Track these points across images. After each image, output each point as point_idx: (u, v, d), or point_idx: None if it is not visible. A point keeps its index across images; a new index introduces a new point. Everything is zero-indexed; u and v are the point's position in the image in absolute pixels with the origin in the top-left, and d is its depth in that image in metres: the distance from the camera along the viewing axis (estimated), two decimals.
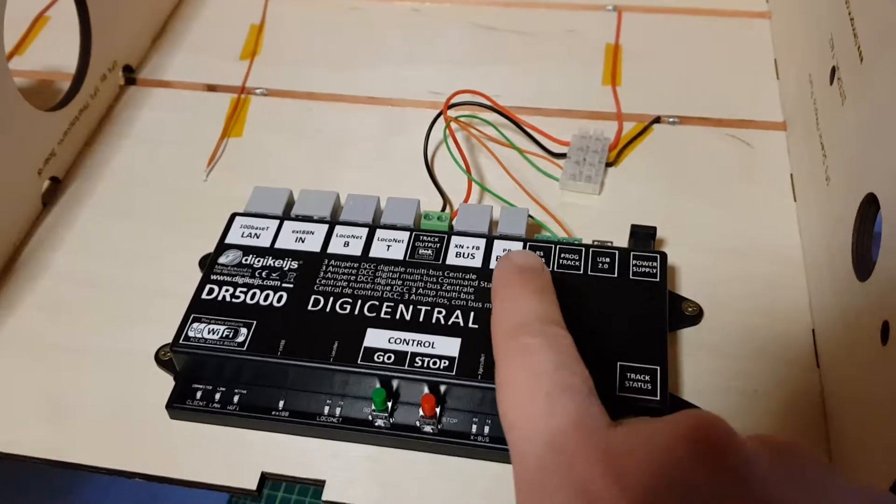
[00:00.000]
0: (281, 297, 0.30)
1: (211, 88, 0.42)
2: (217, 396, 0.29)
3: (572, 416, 0.20)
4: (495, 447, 0.28)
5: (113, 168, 0.39)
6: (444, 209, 0.35)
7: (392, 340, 0.29)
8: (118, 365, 0.31)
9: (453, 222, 0.33)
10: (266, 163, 0.38)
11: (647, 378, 0.27)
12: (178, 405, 0.29)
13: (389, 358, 0.28)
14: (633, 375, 0.27)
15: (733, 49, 0.42)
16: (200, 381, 0.30)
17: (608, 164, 0.37)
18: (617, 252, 0.31)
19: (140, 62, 0.44)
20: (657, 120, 0.39)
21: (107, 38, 0.40)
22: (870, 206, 0.26)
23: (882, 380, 0.23)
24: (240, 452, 0.29)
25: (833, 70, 0.31)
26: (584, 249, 0.31)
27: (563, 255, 0.31)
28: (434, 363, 0.28)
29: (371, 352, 0.28)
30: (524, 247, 0.31)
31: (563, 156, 0.37)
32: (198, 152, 0.39)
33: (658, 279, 0.30)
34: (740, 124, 0.38)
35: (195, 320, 0.30)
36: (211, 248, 0.32)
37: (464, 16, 0.45)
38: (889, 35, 0.25)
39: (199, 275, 0.32)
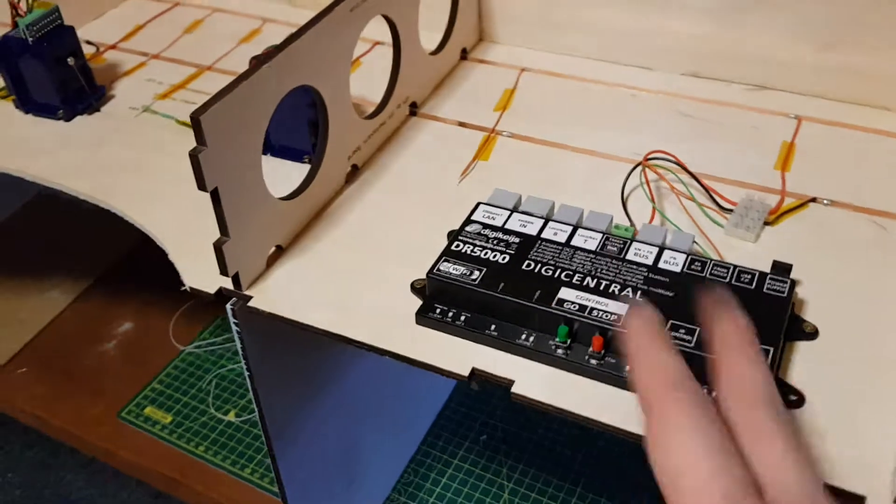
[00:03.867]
0: (504, 257, 0.43)
1: (470, 127, 0.57)
2: (450, 314, 0.42)
3: (741, 478, 0.25)
4: None
5: (394, 167, 0.54)
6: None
7: (578, 297, 0.40)
8: (384, 286, 0.45)
9: (636, 235, 0.44)
10: (503, 180, 0.51)
11: (763, 352, 0.37)
12: (423, 315, 0.42)
13: (574, 307, 0.40)
14: None
15: (892, 161, 0.51)
16: (440, 302, 0.42)
17: (766, 223, 0.47)
18: (757, 273, 0.41)
19: (422, 101, 0.59)
20: (814, 199, 0.49)
21: (405, 83, 0.56)
22: None
23: None
24: (460, 353, 0.41)
25: None
26: (731, 267, 0.41)
27: (715, 268, 0.42)
28: (606, 316, 0.39)
29: (562, 301, 0.40)
30: (686, 260, 0.42)
31: (730, 211, 0.48)
32: (455, 167, 0.53)
33: (785, 295, 0.40)
34: (885, 214, 0.47)
35: (446, 260, 0.43)
36: (454, 226, 0.46)
37: (670, 104, 0.58)
38: None
39: (444, 241, 0.45)
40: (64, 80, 0.59)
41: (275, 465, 0.54)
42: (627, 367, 0.31)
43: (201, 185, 0.40)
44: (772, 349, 0.37)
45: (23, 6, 0.57)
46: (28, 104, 0.60)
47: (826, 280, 0.43)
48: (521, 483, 0.73)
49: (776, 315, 0.39)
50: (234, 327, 0.46)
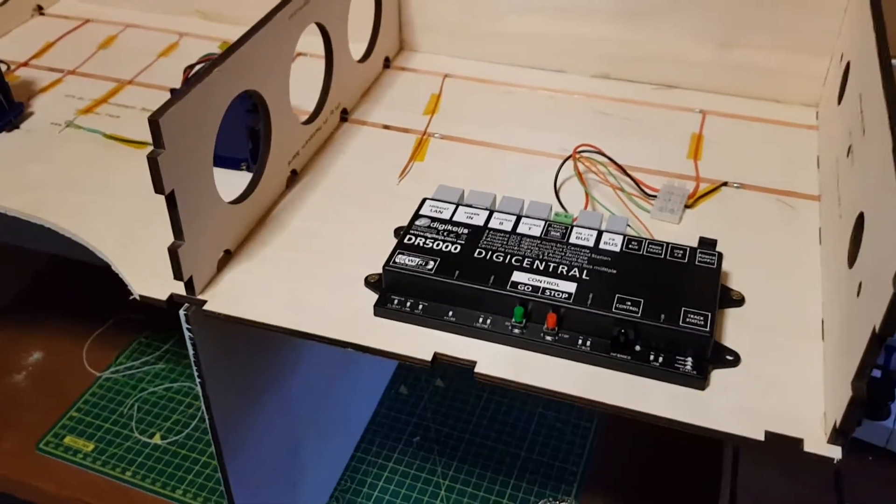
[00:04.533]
0: (456, 247, 0.45)
1: (402, 130, 0.59)
2: (408, 304, 0.44)
3: None
4: (593, 353, 0.41)
5: (332, 171, 0.55)
6: None
7: (530, 279, 0.43)
8: (336, 284, 0.46)
9: (575, 222, 0.47)
10: (441, 179, 0.53)
11: (701, 319, 0.41)
12: (381, 306, 0.44)
13: (528, 288, 0.42)
14: (692, 316, 0.41)
15: (789, 147, 0.57)
16: (397, 293, 0.44)
17: (686, 206, 0.51)
18: (688, 248, 0.45)
19: (352, 108, 0.61)
20: (725, 184, 0.53)
21: (337, 89, 0.57)
22: (860, 221, 0.40)
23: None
24: (421, 340, 0.43)
25: (849, 148, 0.45)
26: (665, 244, 0.45)
27: (650, 246, 0.45)
28: (557, 294, 0.42)
29: (515, 283, 0.43)
30: (623, 240, 0.45)
31: (653, 197, 0.51)
32: (392, 169, 0.55)
33: (714, 266, 0.44)
34: (789, 193, 0.52)
35: (400, 253, 0.45)
36: (400, 224, 0.47)
37: (586, 104, 0.62)
38: (878, 115, 0.40)
39: (392, 238, 0.47)
40: None
41: (224, 472, 0.54)
42: None
43: (158, 188, 0.41)
44: (709, 314, 0.41)
45: None
46: None
47: (745, 254, 0.48)
48: (456, 479, 0.75)
49: (709, 284, 0.43)
50: (186, 333, 0.46)
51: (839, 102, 0.52)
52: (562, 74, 0.65)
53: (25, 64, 0.67)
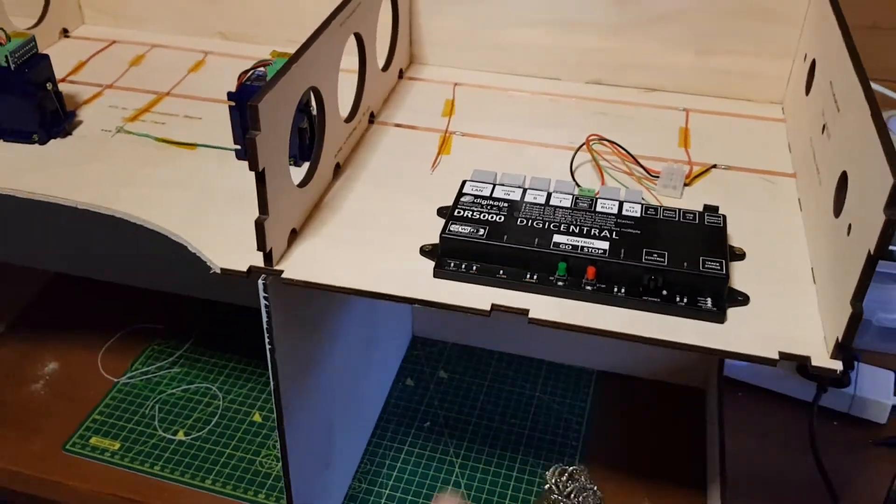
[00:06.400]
0: (500, 217, 0.52)
1: (426, 129, 0.66)
2: (463, 266, 0.50)
3: None
4: (629, 298, 0.48)
5: (370, 164, 0.62)
6: None
7: (569, 240, 0.50)
8: (394, 254, 0.52)
9: (597, 195, 0.55)
10: (469, 168, 0.60)
11: (717, 265, 0.48)
12: (441, 268, 0.50)
13: (568, 247, 0.50)
14: (710, 263, 0.48)
15: (762, 137, 0.66)
16: (452, 258, 0.51)
17: (685, 185, 0.59)
18: (697, 212, 0.53)
19: (378, 112, 0.68)
20: (714, 166, 0.62)
21: (367, 96, 0.64)
22: (843, 181, 0.48)
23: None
24: (477, 295, 0.49)
25: (824, 126, 0.54)
26: (677, 210, 0.53)
27: (665, 212, 0.53)
28: (594, 251, 0.49)
29: (557, 244, 0.50)
30: (642, 208, 0.53)
31: (656, 177, 0.59)
32: (423, 161, 0.62)
33: (721, 225, 0.52)
34: (769, 173, 0.61)
35: (454, 223, 0.51)
36: (440, 205, 0.55)
37: (584, 106, 0.70)
38: (852, 96, 0.49)
39: (434, 217, 0.54)
40: (42, 105, 0.62)
41: (282, 437, 0.59)
42: None
43: (253, 166, 0.47)
44: (723, 261, 0.49)
45: (1, 35, 0.61)
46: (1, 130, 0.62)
47: (740, 220, 0.56)
48: (468, 457, 0.81)
49: (719, 239, 0.51)
50: (262, 302, 0.52)
51: (807, 93, 0.61)
52: (558, 82, 0.73)
53: (63, 80, 0.72)
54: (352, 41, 0.60)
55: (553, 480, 0.71)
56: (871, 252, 0.40)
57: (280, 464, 0.78)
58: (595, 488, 0.70)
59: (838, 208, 0.48)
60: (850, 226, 0.45)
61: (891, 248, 0.41)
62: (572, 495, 0.69)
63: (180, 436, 0.83)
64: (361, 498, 0.77)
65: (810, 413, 0.76)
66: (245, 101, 0.56)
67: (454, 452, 0.81)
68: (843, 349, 0.44)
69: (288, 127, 0.50)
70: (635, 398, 0.86)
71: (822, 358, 0.45)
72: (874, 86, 0.73)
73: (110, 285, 1.00)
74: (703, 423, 0.82)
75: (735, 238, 0.54)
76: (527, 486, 0.77)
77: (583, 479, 0.71)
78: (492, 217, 0.52)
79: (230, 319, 0.95)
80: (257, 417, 0.85)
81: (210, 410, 0.85)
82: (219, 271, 0.52)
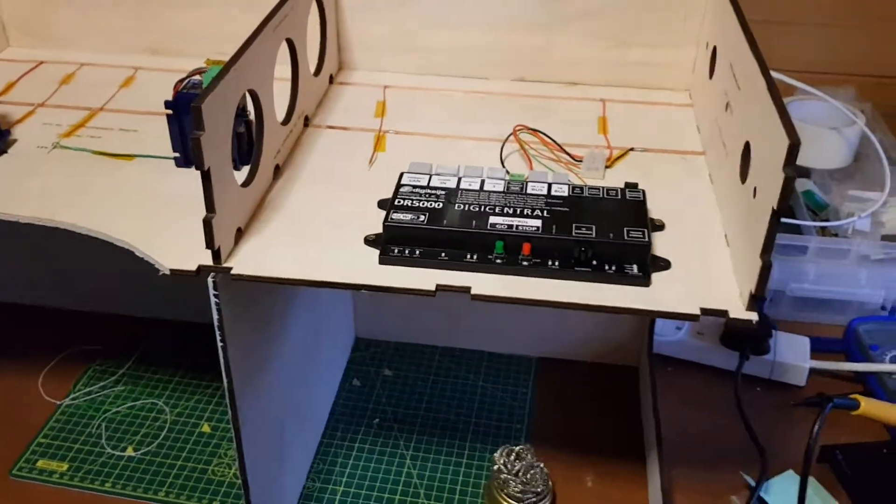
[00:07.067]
0: (439, 204, 0.55)
1: (360, 130, 0.69)
2: (406, 251, 0.53)
3: None
4: (562, 270, 0.52)
5: (308, 164, 0.64)
6: None
7: (504, 221, 0.53)
8: (339, 245, 0.55)
9: (527, 179, 0.59)
10: (405, 163, 0.63)
11: (640, 234, 0.52)
12: (386, 255, 0.53)
13: (504, 227, 0.53)
14: (633, 233, 0.52)
15: (673, 121, 0.71)
16: (396, 244, 0.54)
17: (606, 167, 0.64)
18: (619, 188, 0.57)
19: (312, 115, 0.70)
20: (632, 149, 0.66)
21: (301, 99, 0.67)
22: (746, 150, 0.53)
23: None
24: (422, 277, 0.52)
25: (727, 104, 0.59)
26: (601, 188, 0.57)
27: (590, 190, 0.57)
28: (528, 228, 0.53)
29: (493, 224, 0.53)
30: (569, 188, 0.57)
31: (580, 161, 0.64)
32: (360, 159, 0.65)
33: (641, 199, 0.56)
34: (681, 152, 0.66)
35: (395, 212, 0.54)
36: (380, 198, 0.57)
37: (511, 102, 0.74)
38: (750, 72, 0.53)
39: (375, 209, 0.57)
40: None
41: (237, 434, 0.61)
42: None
43: (199, 165, 0.49)
44: (645, 230, 0.53)
45: None
46: None
47: (658, 195, 0.60)
48: (418, 449, 0.83)
49: (640, 211, 0.55)
50: (213, 300, 0.54)
51: (710, 77, 0.66)
52: (485, 81, 0.77)
53: None
54: (284, 48, 0.62)
55: (501, 461, 0.74)
56: (775, 207, 0.45)
57: (233, 470, 0.79)
58: (542, 465, 0.74)
59: (744, 175, 0.52)
60: (755, 189, 0.49)
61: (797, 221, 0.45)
62: (520, 473, 0.72)
63: (129, 452, 0.83)
64: (316, 496, 0.78)
65: (735, 380, 0.81)
66: (182, 109, 0.58)
67: (404, 446, 0.84)
68: (756, 300, 0.49)
69: (229, 128, 0.52)
70: (574, 380, 0.90)
71: (739, 311, 0.50)
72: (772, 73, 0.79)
73: (46, 310, 0.99)
74: (638, 398, 0.86)
75: (654, 212, 0.58)
76: (476, 470, 0.80)
77: (529, 457, 0.74)
78: (431, 204, 0.55)
79: (171, 336, 0.96)
80: (206, 428, 0.85)
81: (158, 425, 0.85)
82: (168, 272, 0.53)
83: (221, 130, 0.51)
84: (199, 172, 0.49)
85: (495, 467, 0.74)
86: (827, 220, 0.94)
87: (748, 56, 0.53)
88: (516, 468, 0.73)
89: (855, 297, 0.91)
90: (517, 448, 0.75)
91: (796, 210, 0.96)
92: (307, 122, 0.69)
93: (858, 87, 1.11)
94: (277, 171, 0.63)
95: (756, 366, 0.85)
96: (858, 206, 0.93)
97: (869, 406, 0.67)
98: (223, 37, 0.59)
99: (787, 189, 0.44)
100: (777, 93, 0.48)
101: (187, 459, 0.82)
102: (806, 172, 1.00)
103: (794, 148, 0.44)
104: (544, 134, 0.65)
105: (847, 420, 0.68)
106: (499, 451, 0.75)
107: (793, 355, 0.85)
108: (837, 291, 0.91)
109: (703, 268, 0.53)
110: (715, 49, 0.65)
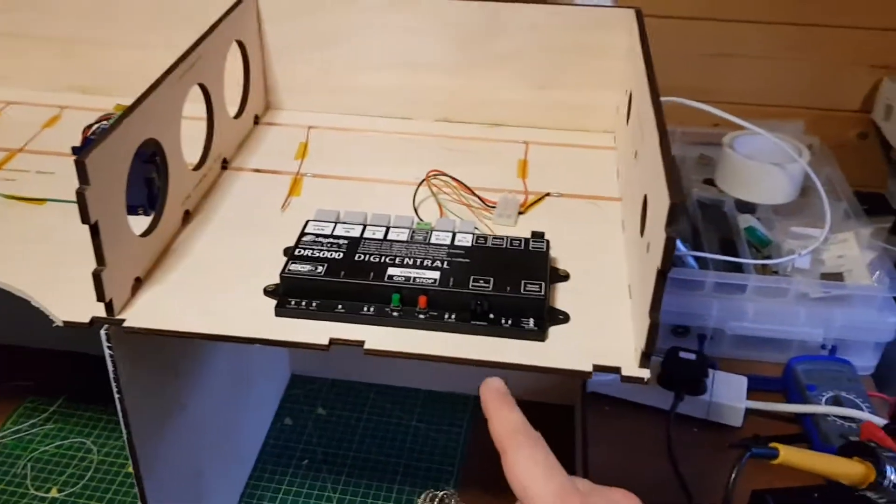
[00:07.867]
0: (339, 254, 0.55)
1: (277, 173, 0.68)
2: (303, 303, 0.53)
3: (564, 482, 0.38)
4: (458, 324, 0.51)
5: (220, 209, 0.63)
6: None
7: (402, 272, 0.53)
8: (239, 296, 0.54)
9: (433, 227, 0.58)
10: (318, 208, 0.63)
11: (537, 287, 0.52)
12: (282, 307, 0.52)
13: (401, 279, 0.52)
14: (530, 286, 0.52)
15: (595, 164, 0.71)
16: (293, 296, 0.53)
17: (520, 213, 0.63)
18: (523, 239, 0.57)
19: (231, 158, 0.70)
20: (548, 194, 0.66)
21: (217, 142, 0.66)
22: (645, 202, 0.53)
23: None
24: (317, 330, 0.51)
25: (636, 152, 0.59)
26: (505, 238, 0.57)
27: (494, 240, 0.56)
28: (425, 281, 0.52)
29: (391, 276, 0.53)
30: (473, 238, 0.57)
31: (493, 207, 0.63)
32: (273, 204, 0.64)
33: (544, 249, 0.56)
34: (598, 198, 0.66)
35: (293, 263, 0.54)
36: (287, 245, 0.57)
37: (433, 143, 0.74)
38: (648, 120, 0.53)
39: (281, 257, 0.56)
40: None
41: (140, 487, 0.60)
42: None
43: (85, 219, 0.48)
44: (543, 283, 0.52)
45: None
46: None
47: (567, 243, 0.60)
48: (345, 492, 0.82)
49: (541, 263, 0.55)
50: (107, 352, 0.53)
51: (627, 122, 0.66)
52: (409, 121, 0.77)
53: None
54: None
55: None
56: (659, 267, 0.45)
57: None
58: None
59: (642, 228, 0.52)
60: (648, 244, 0.49)
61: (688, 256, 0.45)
62: None
63: (53, 493, 0.82)
64: None
65: (667, 422, 0.81)
66: None
67: (332, 488, 0.83)
68: (647, 357, 0.48)
69: (123, 179, 0.52)
70: None
71: (632, 368, 0.49)
72: (713, 110, 0.79)
73: None
74: (573, 438, 0.85)
75: (562, 260, 0.58)
76: None
77: (453, 502, 0.73)
78: (331, 254, 0.55)
79: (104, 371, 0.94)
80: (132, 469, 0.84)
81: (84, 465, 0.84)
82: (61, 324, 0.53)
83: (114, 182, 0.51)
84: None
85: None
86: (769, 257, 0.94)
87: (648, 104, 0.53)
88: None
89: (794, 335, 0.91)
90: (441, 493, 0.74)
91: (738, 246, 0.96)
92: (225, 164, 0.69)
93: (808, 121, 1.12)
94: (188, 216, 0.62)
95: (693, 406, 0.85)
96: (800, 244, 0.93)
97: (788, 454, 0.66)
98: (156, 75, 0.58)
99: (669, 248, 0.44)
100: (667, 147, 0.48)
101: (111, 501, 0.80)
102: (751, 209, 1.00)
103: (675, 208, 0.43)
104: (457, 179, 0.64)
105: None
106: (422, 497, 0.74)
107: (729, 395, 0.85)
108: (777, 330, 0.91)
109: (603, 321, 0.53)
110: (631, 95, 0.65)
